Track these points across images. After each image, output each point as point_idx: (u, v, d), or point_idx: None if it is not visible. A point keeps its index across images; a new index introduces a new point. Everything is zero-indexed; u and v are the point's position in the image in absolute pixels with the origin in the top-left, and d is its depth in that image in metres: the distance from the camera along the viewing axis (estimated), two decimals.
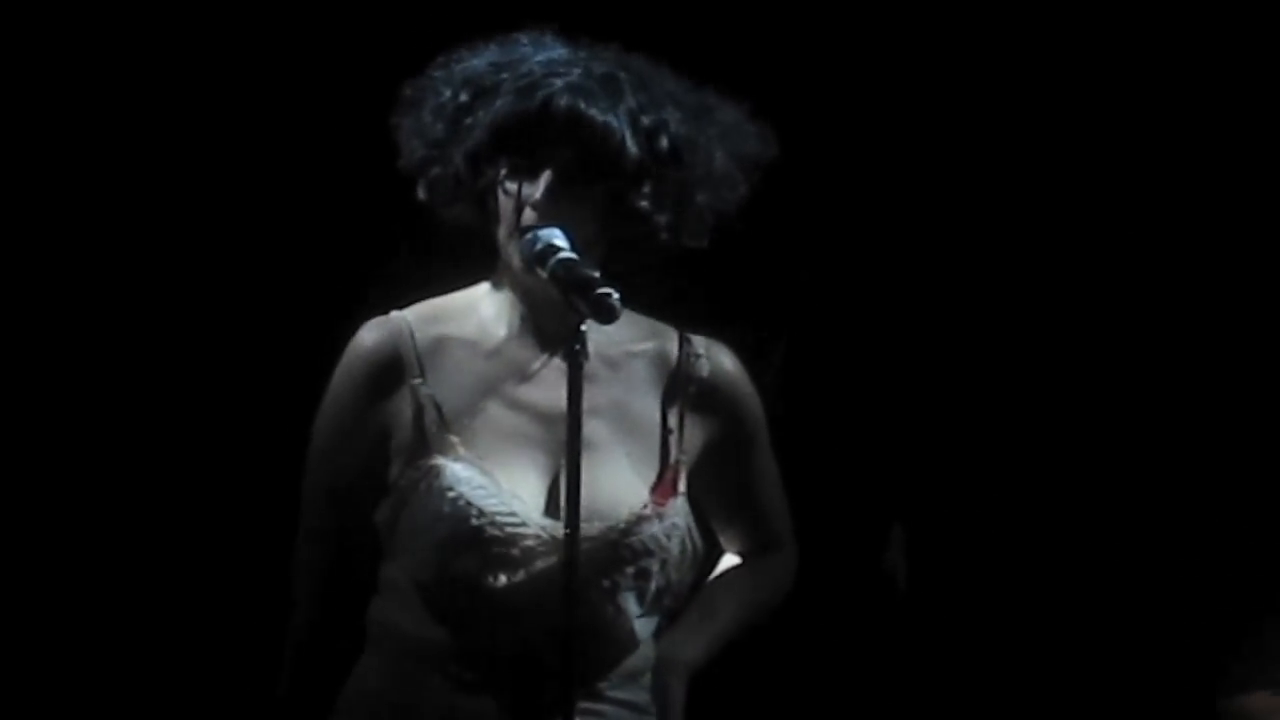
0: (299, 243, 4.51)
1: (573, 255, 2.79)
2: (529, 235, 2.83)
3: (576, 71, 2.88)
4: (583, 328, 2.73)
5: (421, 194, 2.96)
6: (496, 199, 2.90)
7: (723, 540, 3.11)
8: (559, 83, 2.86)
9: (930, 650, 4.74)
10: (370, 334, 2.95)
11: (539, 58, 2.90)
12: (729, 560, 3.12)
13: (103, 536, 4.54)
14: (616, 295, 2.72)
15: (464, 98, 2.90)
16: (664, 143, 2.89)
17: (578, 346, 2.72)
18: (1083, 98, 4.71)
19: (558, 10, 3.02)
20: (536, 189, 2.86)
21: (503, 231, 2.90)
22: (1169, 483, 4.73)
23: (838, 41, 4.66)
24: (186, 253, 4.54)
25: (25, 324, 4.51)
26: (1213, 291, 4.75)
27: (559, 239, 2.81)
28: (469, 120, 2.89)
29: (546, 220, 2.84)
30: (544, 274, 2.80)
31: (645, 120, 2.89)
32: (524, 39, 2.95)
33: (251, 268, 4.53)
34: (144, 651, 4.55)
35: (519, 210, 2.86)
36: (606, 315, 2.72)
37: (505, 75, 2.89)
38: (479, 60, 2.93)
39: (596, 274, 2.76)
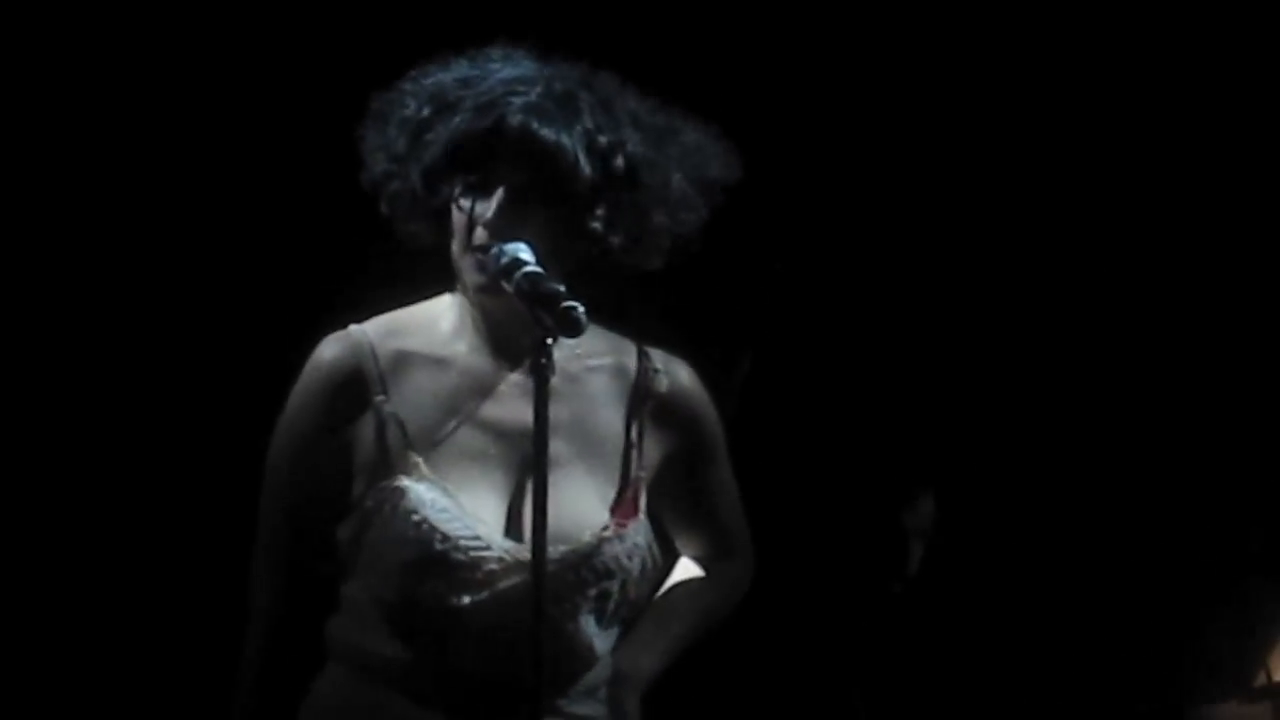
0: (258, 254, 4.48)
1: (538, 269, 2.78)
2: (494, 249, 2.82)
3: (536, 90, 2.87)
4: (548, 341, 2.71)
5: (384, 208, 2.95)
6: (452, 216, 2.89)
7: (680, 547, 3.10)
8: (516, 101, 2.85)
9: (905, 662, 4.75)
10: (331, 349, 2.93)
11: (502, 75, 2.89)
12: (684, 565, 3.12)
13: (55, 548, 4.52)
14: (582, 309, 2.71)
15: (426, 112, 2.89)
16: (619, 163, 2.88)
17: (544, 360, 2.70)
18: (1048, 113, 4.71)
19: (535, 25, 3.00)
20: (489, 207, 2.85)
21: (455, 248, 2.89)
22: (1133, 489, 4.74)
23: (807, 61, 4.65)
24: (148, 262, 4.51)
25: None
26: (1197, 285, 4.75)
27: (524, 252, 2.80)
28: (429, 136, 2.88)
29: (498, 239, 2.83)
30: (509, 287, 2.78)
31: (601, 140, 2.88)
32: (495, 54, 2.93)
33: (210, 279, 4.51)
34: (97, 667, 4.53)
35: (471, 228, 2.86)
36: (572, 329, 2.71)
37: (467, 92, 2.87)
38: (446, 75, 2.91)
39: (562, 288, 2.75)
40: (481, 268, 2.85)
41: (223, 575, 3.27)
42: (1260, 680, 3.92)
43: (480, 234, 2.85)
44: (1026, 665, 4.71)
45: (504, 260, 2.80)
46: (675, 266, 2.99)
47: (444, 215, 2.90)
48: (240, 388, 4.23)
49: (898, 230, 4.76)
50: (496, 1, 4.16)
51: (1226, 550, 4.56)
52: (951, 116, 4.74)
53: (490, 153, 2.84)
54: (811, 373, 4.73)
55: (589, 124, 2.86)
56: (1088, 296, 4.79)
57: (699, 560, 3.11)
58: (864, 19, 4.66)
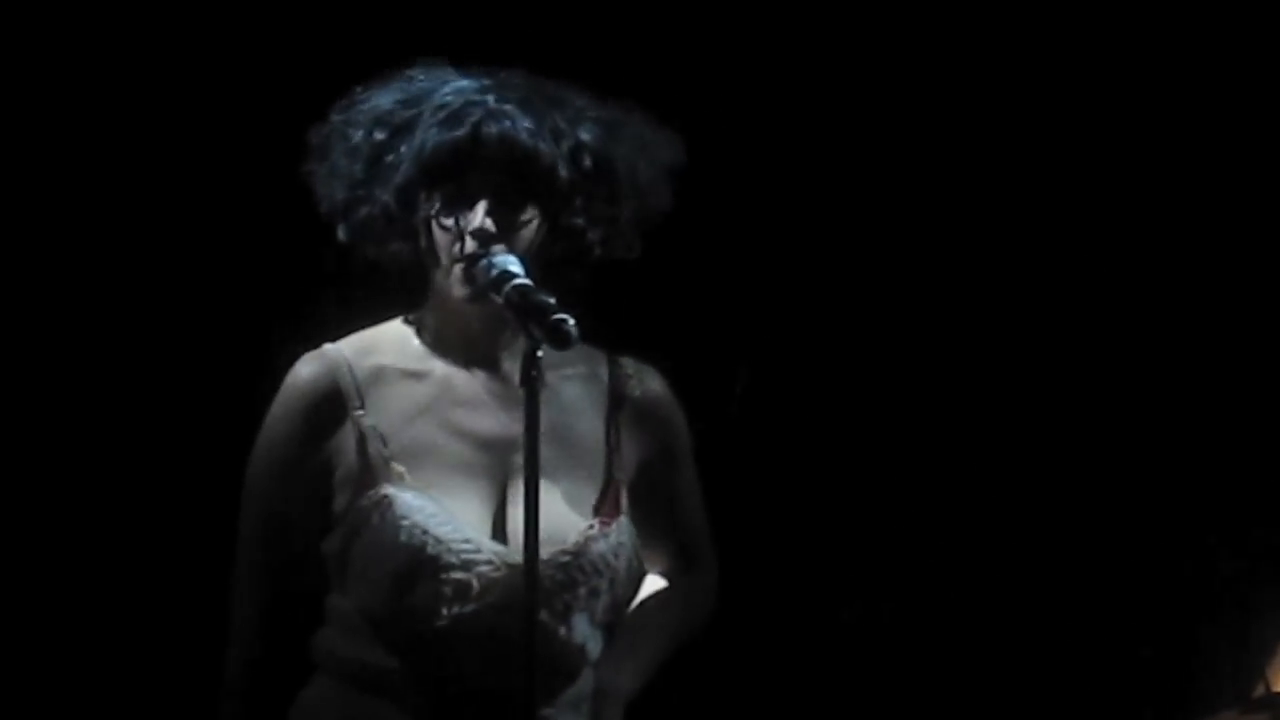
0: (230, 273, 4.49)
1: (528, 281, 2.80)
2: (484, 262, 2.85)
3: (492, 98, 2.90)
4: (539, 353, 2.73)
5: (344, 236, 2.96)
6: (429, 232, 2.91)
7: (646, 559, 3.10)
8: (476, 111, 2.89)
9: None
10: (308, 368, 2.96)
11: (448, 88, 2.93)
12: (653, 581, 3.13)
13: (31, 565, 4.52)
14: (572, 321, 2.73)
15: (380, 136, 2.91)
16: (588, 160, 2.92)
17: (534, 372, 2.72)
18: (1048, 114, 4.71)
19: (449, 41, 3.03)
20: (473, 217, 2.87)
21: (443, 262, 2.91)
22: (1125, 495, 4.73)
23: (798, 65, 4.66)
24: (122, 280, 4.52)
25: None
26: (1192, 299, 4.76)
27: (514, 265, 2.83)
28: (390, 158, 2.91)
29: (485, 247, 2.86)
30: (499, 300, 2.80)
31: (568, 140, 2.91)
32: (419, 74, 2.96)
33: (184, 299, 4.51)
34: (77, 681, 4.53)
35: (459, 240, 2.88)
36: (562, 342, 2.73)
37: (420, 109, 2.91)
38: (383, 98, 2.94)
39: (552, 300, 2.76)
40: (471, 279, 2.86)
41: (200, 592, 3.27)
42: (1259, 691, 3.91)
43: (470, 244, 2.87)
44: (1024, 678, 4.70)
45: (494, 273, 2.82)
46: (674, 282, 3.01)
47: (419, 232, 2.91)
48: (215, 406, 4.25)
49: (896, 251, 4.77)
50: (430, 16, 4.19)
51: (1224, 561, 4.56)
52: (952, 137, 4.75)
53: (468, 163, 2.87)
54: (805, 398, 4.75)
55: (554, 125, 2.90)
56: (1083, 306, 4.79)
57: (665, 573, 3.12)
58: (860, 23, 4.67)
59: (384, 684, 2.89)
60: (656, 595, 3.11)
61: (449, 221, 2.89)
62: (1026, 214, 4.74)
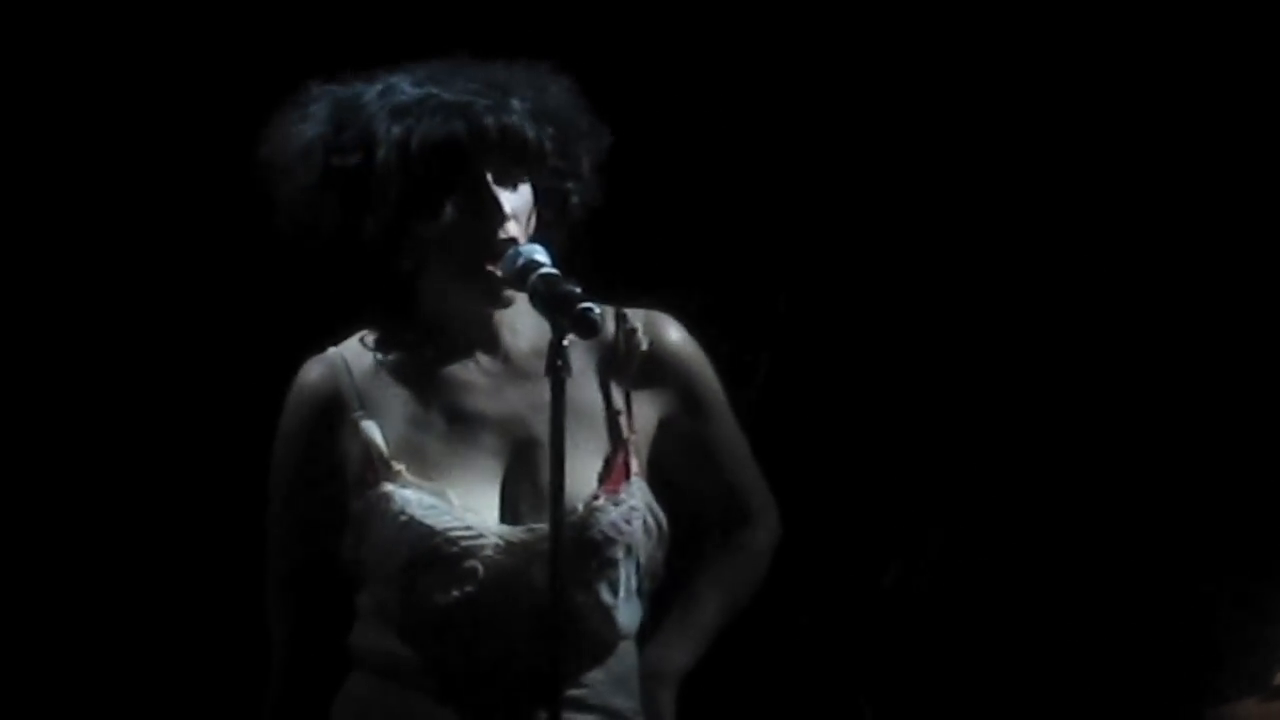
0: (249, 273, 4.51)
1: (554, 270, 2.80)
2: (510, 251, 2.85)
3: (437, 89, 2.88)
4: (565, 342, 2.73)
5: (342, 262, 2.94)
6: (439, 233, 2.89)
7: (702, 514, 3.09)
8: (437, 114, 2.86)
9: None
10: (310, 373, 2.99)
11: (374, 94, 2.89)
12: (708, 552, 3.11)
13: (56, 578, 4.54)
14: (598, 310, 2.73)
15: (343, 160, 2.87)
16: (547, 123, 2.91)
17: (560, 362, 2.72)
18: (1078, 104, 4.72)
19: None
20: (487, 207, 2.87)
21: (462, 258, 2.89)
22: (1146, 484, 4.74)
23: (825, 54, 4.67)
24: (141, 282, 4.54)
25: None
26: (1199, 294, 4.76)
27: (540, 254, 2.83)
28: (370, 179, 2.87)
29: (501, 230, 2.86)
30: (524, 290, 2.81)
31: (521, 107, 2.90)
32: (325, 92, 2.93)
33: (204, 300, 4.54)
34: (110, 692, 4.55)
35: (486, 235, 2.88)
36: (588, 330, 2.74)
37: (362, 122, 2.87)
38: (308, 127, 2.91)
39: (578, 289, 2.76)
40: (498, 269, 2.87)
41: (230, 596, 3.29)
42: (1279, 679, 3.92)
43: (497, 230, 2.87)
44: (1042, 668, 4.71)
45: (520, 262, 2.83)
46: (692, 273, 3.01)
47: (422, 240, 2.89)
48: (250, 407, 4.26)
49: (917, 246, 4.78)
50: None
51: (1242, 549, 4.56)
52: (968, 129, 4.75)
53: (466, 155, 2.85)
54: (828, 385, 4.75)
55: (504, 99, 2.88)
56: (1094, 310, 4.80)
57: (720, 529, 3.10)
58: (872, 25, 4.68)
59: (412, 674, 2.91)
60: (706, 567, 3.08)
61: (462, 217, 2.88)
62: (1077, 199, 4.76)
